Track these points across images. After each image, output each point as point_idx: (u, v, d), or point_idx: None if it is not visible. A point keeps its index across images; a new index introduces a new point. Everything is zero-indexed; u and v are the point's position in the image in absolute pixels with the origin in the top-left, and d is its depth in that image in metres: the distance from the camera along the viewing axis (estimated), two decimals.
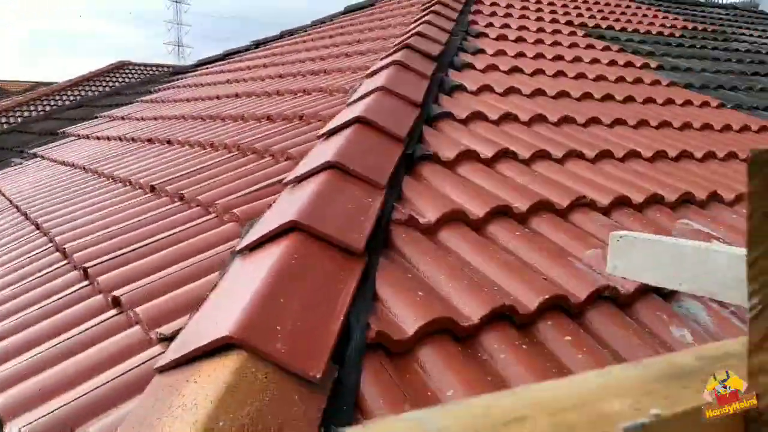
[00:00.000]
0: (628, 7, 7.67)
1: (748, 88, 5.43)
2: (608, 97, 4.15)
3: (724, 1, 9.99)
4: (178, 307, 1.87)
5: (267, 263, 1.71)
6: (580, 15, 6.52)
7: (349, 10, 8.55)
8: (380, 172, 2.34)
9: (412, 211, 2.25)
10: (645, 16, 7.48)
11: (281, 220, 1.92)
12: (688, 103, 4.57)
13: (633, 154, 3.23)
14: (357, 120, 2.65)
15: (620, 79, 4.67)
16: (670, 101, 4.45)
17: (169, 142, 4.45)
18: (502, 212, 2.37)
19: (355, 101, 3.08)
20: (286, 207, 2.10)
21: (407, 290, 1.83)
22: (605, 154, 3.14)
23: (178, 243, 2.40)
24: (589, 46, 5.42)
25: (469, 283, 1.93)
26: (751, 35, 7.92)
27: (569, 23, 6.05)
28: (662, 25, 7.15)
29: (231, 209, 2.56)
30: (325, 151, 2.42)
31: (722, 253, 1.29)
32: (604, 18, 6.72)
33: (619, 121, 3.71)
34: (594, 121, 3.64)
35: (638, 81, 4.77)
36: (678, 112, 4.29)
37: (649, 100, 4.33)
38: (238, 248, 1.98)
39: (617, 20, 6.81)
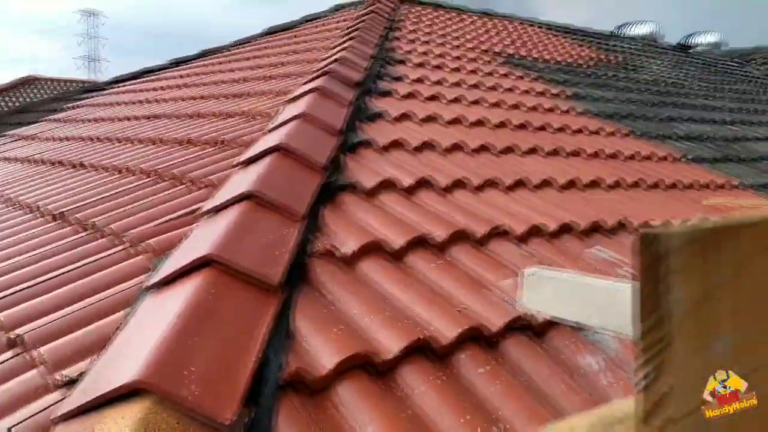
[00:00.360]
0: (543, 36, 7.99)
1: (652, 118, 5.74)
2: (524, 126, 4.29)
3: (631, 34, 10.56)
4: (84, 348, 1.78)
5: (179, 301, 1.66)
6: (498, 43, 6.73)
7: (272, 32, 8.51)
8: (299, 203, 2.32)
9: (332, 242, 2.24)
10: (559, 45, 7.80)
11: (195, 254, 1.87)
12: (598, 131, 4.78)
13: (547, 183, 3.34)
14: (276, 148, 2.62)
15: (536, 108, 4.84)
16: (582, 130, 4.65)
17: (80, 165, 4.27)
18: (421, 242, 2.39)
19: (274, 128, 3.05)
20: (201, 239, 2.04)
21: (325, 325, 1.81)
22: (521, 183, 3.23)
23: (86, 276, 2.29)
24: (507, 75, 5.60)
25: (388, 315, 1.93)
26: (655, 66, 8.40)
27: (488, 51, 6.23)
28: (575, 55, 7.49)
29: (144, 240, 2.46)
30: (242, 181, 2.38)
31: (628, 291, 1.34)
32: (520, 46, 6.97)
33: (534, 150, 3.83)
34: (510, 149, 3.75)
35: (552, 109, 4.95)
36: (589, 140, 4.48)
37: (562, 129, 4.50)
38: (149, 283, 1.90)
39: (533, 49, 7.08)
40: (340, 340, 1.76)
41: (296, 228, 2.18)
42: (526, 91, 5.20)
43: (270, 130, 3.07)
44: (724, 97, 7.77)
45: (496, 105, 4.60)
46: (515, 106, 4.71)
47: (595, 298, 1.37)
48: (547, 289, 1.47)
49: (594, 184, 3.57)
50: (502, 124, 4.18)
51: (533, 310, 1.48)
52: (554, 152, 3.95)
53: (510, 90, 5.11)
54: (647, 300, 0.47)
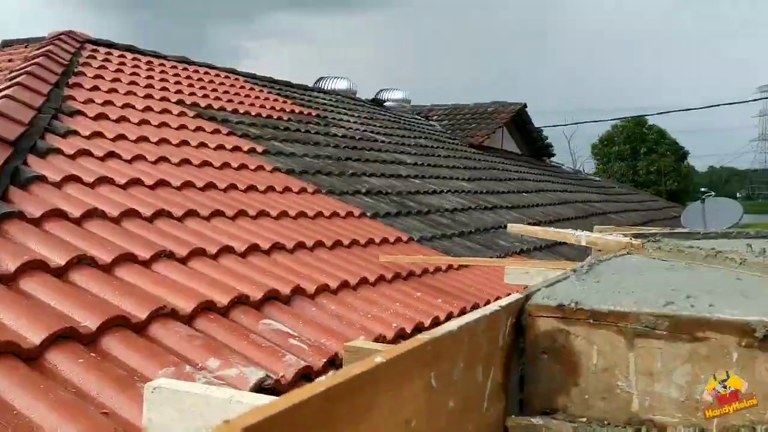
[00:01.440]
0: (242, 87, 8.03)
1: (341, 173, 6.08)
2: (211, 186, 4.19)
3: (329, 88, 11.23)
4: None
5: None
6: (192, 94, 6.57)
7: None
8: None
9: None
10: (257, 98, 7.91)
11: None
12: (289, 189, 4.89)
13: (227, 249, 3.27)
14: None
15: (226, 165, 4.78)
16: (272, 188, 4.70)
17: None
18: (65, 336, 2.13)
19: None
20: None
21: None
22: (197, 252, 3.11)
23: None
24: (199, 129, 5.47)
25: None
26: (348, 121, 9.02)
27: (180, 102, 6.04)
28: (272, 108, 7.66)
29: None
30: None
31: (244, 404, 1.30)
32: (217, 98, 6.90)
33: (218, 212, 3.75)
34: (193, 212, 3.61)
35: (244, 167, 4.95)
36: (278, 199, 4.55)
37: (251, 188, 4.50)
38: None
39: (230, 101, 7.05)
40: None
41: None
42: (218, 147, 5.13)
43: None
44: (407, 152, 8.62)
45: (183, 163, 4.44)
46: (204, 164, 4.60)
47: (213, 413, 1.31)
48: (169, 406, 1.37)
49: (275, 247, 3.60)
50: (186, 185, 4.03)
51: (155, 429, 1.36)
52: (240, 214, 3.91)
53: (200, 146, 4.99)
54: None
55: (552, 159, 15.47)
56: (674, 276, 1.56)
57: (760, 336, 0.95)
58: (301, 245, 3.79)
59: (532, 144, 14.52)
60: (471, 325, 0.97)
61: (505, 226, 6.45)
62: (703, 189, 11.92)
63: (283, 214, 4.24)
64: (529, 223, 7.38)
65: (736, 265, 1.61)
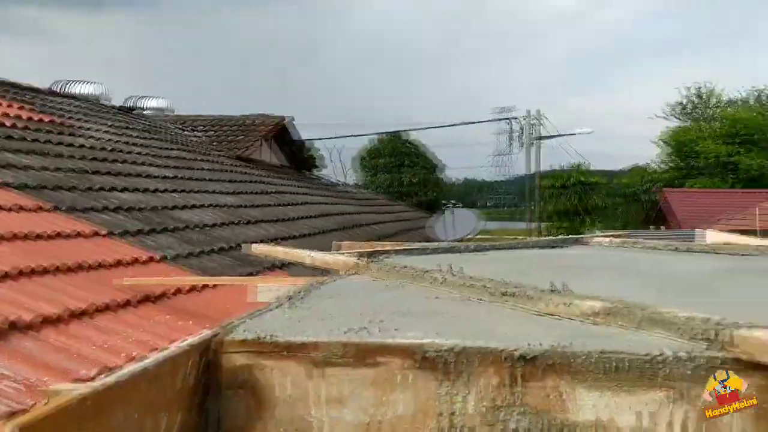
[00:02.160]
0: None
1: (86, 188, 5.60)
2: None
3: (72, 92, 10.23)
4: None
5: None
6: None
7: None
8: None
9: None
10: None
11: None
12: (20, 208, 4.39)
13: None
14: None
15: None
16: None
17: None
18: None
19: None
20: None
21: None
22: None
23: None
24: None
25: None
26: (97, 130, 8.34)
27: None
28: (5, 115, 6.81)
29: None
30: None
31: None
32: None
33: None
34: None
35: None
36: (4, 219, 4.04)
37: None
38: None
39: None
40: None
41: None
42: None
43: None
44: (165, 165, 8.21)
45: None
46: None
47: None
48: None
49: None
50: None
51: None
52: None
53: None
54: None
55: (319, 171, 15.88)
56: (383, 298, 1.66)
57: (419, 359, 1.04)
58: (28, 272, 3.40)
59: (296, 156, 14.75)
60: (143, 369, 0.93)
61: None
62: (452, 201, 13.07)
63: (11, 237, 3.78)
64: (294, 237, 7.47)
65: (439, 284, 1.76)
